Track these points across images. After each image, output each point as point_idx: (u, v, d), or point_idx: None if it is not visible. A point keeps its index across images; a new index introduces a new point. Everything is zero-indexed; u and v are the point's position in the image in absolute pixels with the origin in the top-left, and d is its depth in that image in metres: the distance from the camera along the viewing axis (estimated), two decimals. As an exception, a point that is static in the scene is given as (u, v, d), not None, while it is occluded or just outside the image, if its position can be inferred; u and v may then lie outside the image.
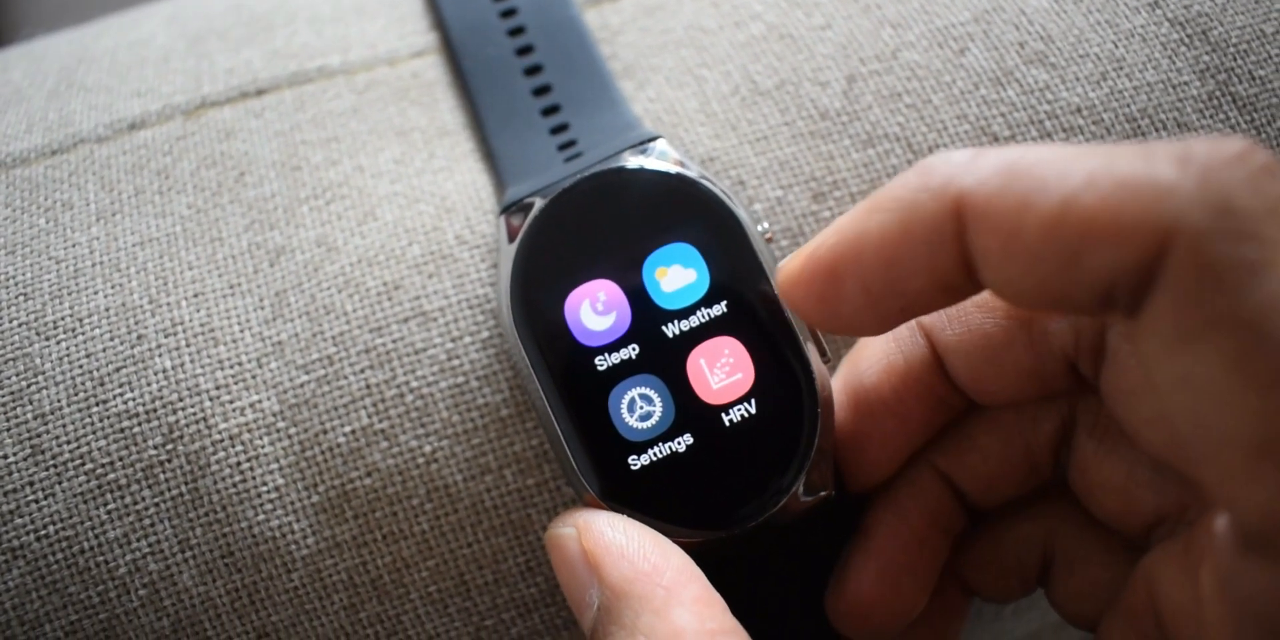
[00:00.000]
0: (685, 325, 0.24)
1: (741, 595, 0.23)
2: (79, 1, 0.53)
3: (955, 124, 0.28)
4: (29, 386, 0.26)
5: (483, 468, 0.26)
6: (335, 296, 0.27)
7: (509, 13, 0.30)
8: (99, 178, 0.29)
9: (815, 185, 0.27)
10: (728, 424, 0.24)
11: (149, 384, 0.26)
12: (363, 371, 0.26)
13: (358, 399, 0.26)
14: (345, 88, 0.30)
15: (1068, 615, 0.24)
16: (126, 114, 0.30)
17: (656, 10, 0.31)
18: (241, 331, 0.26)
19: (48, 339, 0.26)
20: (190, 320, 0.26)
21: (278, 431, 0.26)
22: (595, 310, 0.24)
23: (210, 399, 0.26)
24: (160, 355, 0.26)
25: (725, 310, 0.24)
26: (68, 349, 0.26)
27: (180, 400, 0.26)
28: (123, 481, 0.25)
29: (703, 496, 0.24)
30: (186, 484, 0.25)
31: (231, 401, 0.26)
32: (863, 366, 0.24)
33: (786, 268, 0.21)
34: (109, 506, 0.25)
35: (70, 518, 0.25)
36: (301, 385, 0.26)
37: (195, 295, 0.27)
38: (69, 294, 0.27)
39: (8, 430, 0.26)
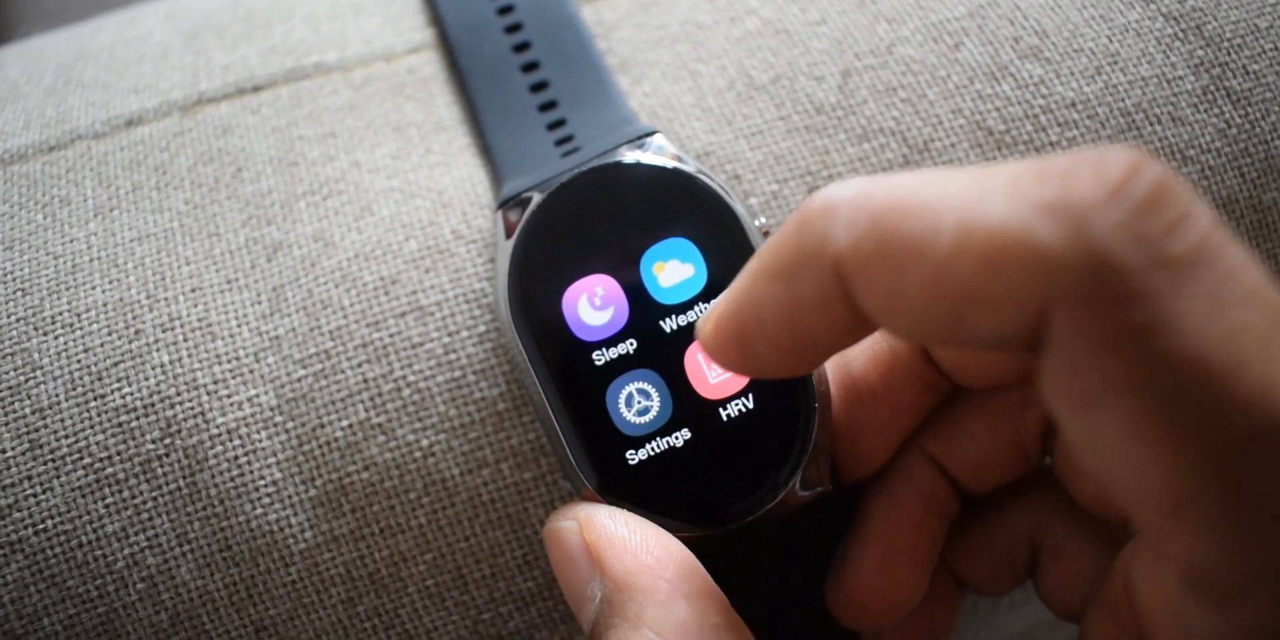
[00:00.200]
0: (683, 320, 0.24)
1: (740, 590, 0.23)
2: (77, 0, 0.53)
3: (950, 118, 0.28)
4: (27, 381, 0.26)
5: (480, 462, 0.26)
6: (332, 291, 0.27)
7: (506, 9, 0.30)
8: (96, 174, 0.29)
9: (811, 179, 0.28)
10: (725, 419, 0.24)
11: (147, 379, 0.26)
12: (360, 366, 0.26)
13: (355, 393, 0.26)
14: (342, 84, 0.30)
15: (1054, 606, 0.24)
16: (124, 110, 0.30)
17: (652, 6, 0.31)
18: (239, 326, 0.26)
19: (45, 334, 0.26)
20: (188, 315, 0.26)
21: (275, 426, 0.26)
22: (593, 305, 0.24)
23: (208, 393, 0.26)
24: (158, 350, 0.26)
25: None
26: (66, 344, 0.26)
27: (178, 395, 0.26)
28: (121, 476, 0.25)
29: (701, 492, 0.24)
30: (184, 478, 0.25)
31: (229, 396, 0.26)
32: (850, 356, 0.24)
33: (702, 331, 0.21)
34: (107, 500, 0.25)
35: (68, 512, 0.25)
36: (299, 379, 0.26)
37: (193, 290, 0.27)
38: (67, 289, 0.27)
39: (6, 425, 0.26)
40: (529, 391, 0.25)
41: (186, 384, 0.26)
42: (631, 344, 0.24)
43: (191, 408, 0.26)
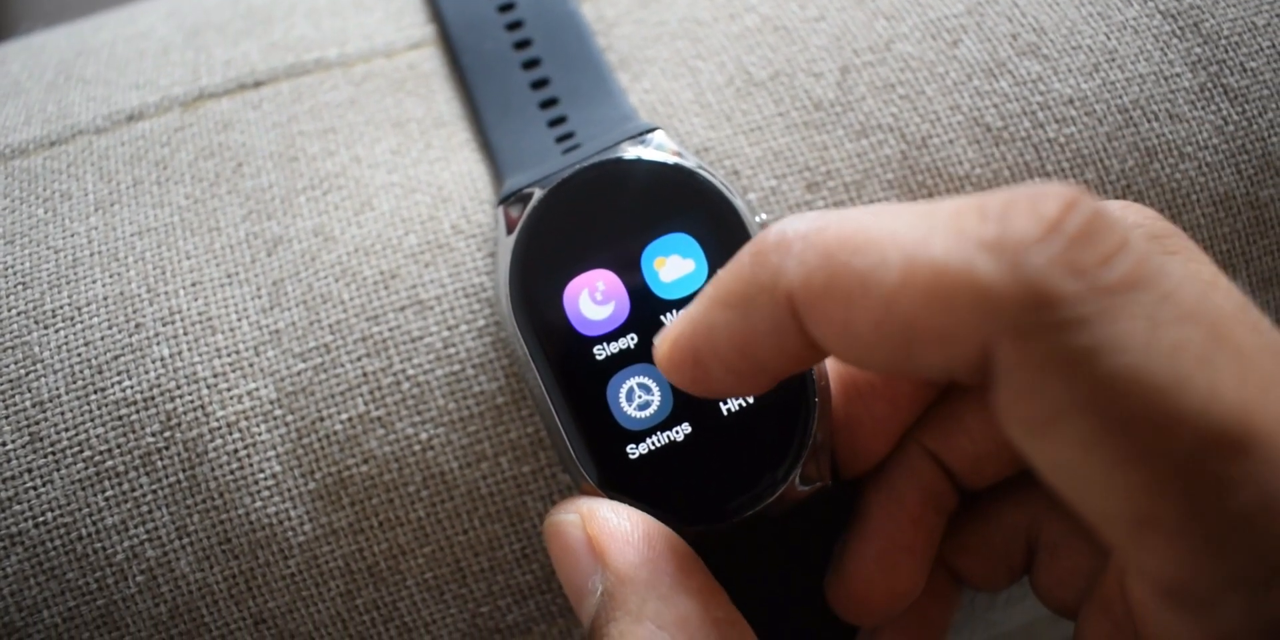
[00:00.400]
0: None
1: (740, 585, 0.23)
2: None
3: (948, 115, 0.28)
4: (28, 374, 0.26)
5: (479, 455, 0.26)
6: (332, 285, 0.27)
7: (506, 7, 0.30)
8: (97, 168, 0.29)
9: (809, 175, 0.28)
10: (725, 413, 0.24)
11: (147, 372, 0.26)
12: (359, 359, 0.26)
13: (354, 387, 0.26)
14: (342, 79, 0.30)
15: (1050, 603, 0.24)
16: (125, 106, 0.30)
17: (651, 2, 0.31)
18: (239, 320, 0.27)
19: (46, 328, 0.26)
20: (188, 309, 0.27)
21: (275, 419, 0.26)
22: (594, 300, 0.25)
23: (208, 387, 0.26)
24: (158, 343, 0.26)
25: None
26: (66, 337, 0.26)
27: (178, 388, 0.26)
28: (120, 468, 0.25)
29: (701, 487, 0.24)
30: (184, 471, 0.25)
31: (229, 389, 0.26)
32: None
33: (658, 351, 0.22)
34: (107, 493, 0.25)
35: (68, 504, 0.25)
36: (298, 373, 0.26)
37: (193, 284, 0.27)
38: (67, 283, 0.27)
39: (6, 418, 0.26)
40: (530, 386, 0.25)
41: (186, 377, 0.26)
42: (632, 338, 0.24)
43: (191, 401, 0.26)
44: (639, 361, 0.24)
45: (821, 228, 0.18)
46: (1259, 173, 0.28)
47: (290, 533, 0.25)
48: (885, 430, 0.24)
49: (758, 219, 0.25)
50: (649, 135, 0.26)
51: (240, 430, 0.26)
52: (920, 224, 0.17)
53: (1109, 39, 0.28)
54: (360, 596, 0.25)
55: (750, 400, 0.24)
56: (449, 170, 0.28)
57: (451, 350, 0.26)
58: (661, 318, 0.24)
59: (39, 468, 0.25)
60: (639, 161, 0.25)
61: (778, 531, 0.25)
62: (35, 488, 0.25)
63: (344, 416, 0.26)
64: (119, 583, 0.25)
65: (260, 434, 0.26)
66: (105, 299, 0.27)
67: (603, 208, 0.25)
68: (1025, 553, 0.25)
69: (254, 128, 0.29)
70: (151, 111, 0.30)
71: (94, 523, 0.25)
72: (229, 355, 0.26)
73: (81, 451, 0.25)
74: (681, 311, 0.22)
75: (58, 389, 0.26)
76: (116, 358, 0.26)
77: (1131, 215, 0.22)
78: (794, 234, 0.19)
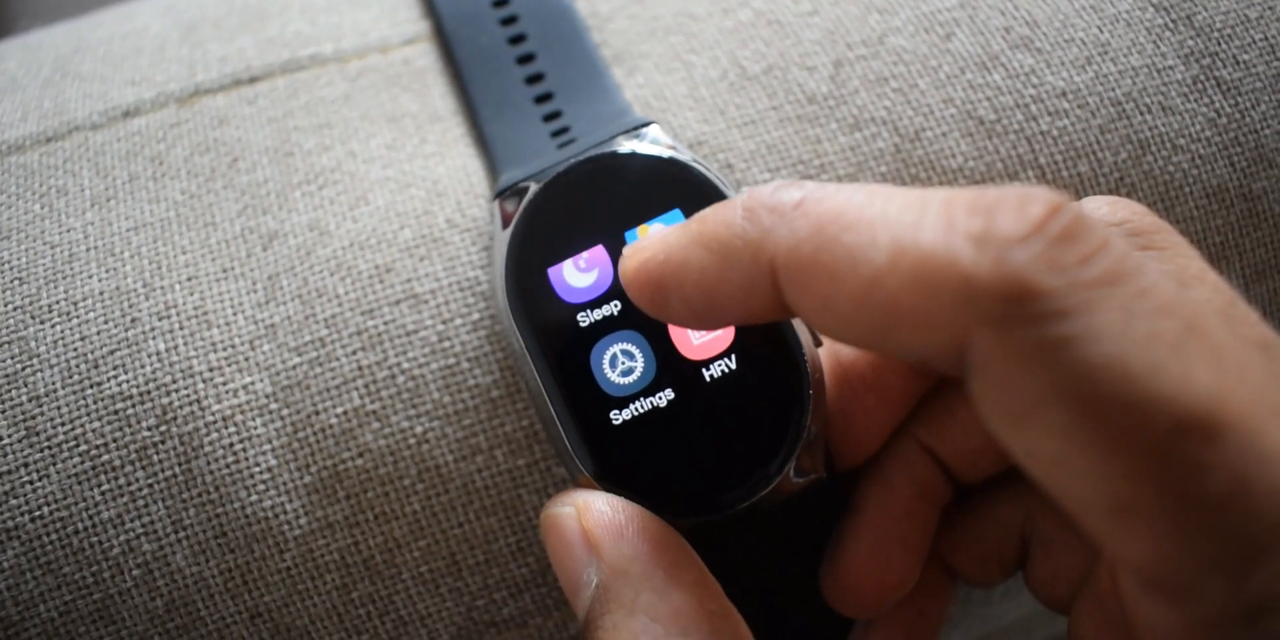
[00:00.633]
0: None
1: (734, 577, 0.23)
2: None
3: (941, 108, 0.28)
4: (24, 369, 0.26)
5: (473, 448, 0.26)
6: (327, 280, 0.27)
7: (501, 2, 0.30)
8: (93, 164, 0.29)
9: (803, 168, 0.28)
10: (708, 379, 0.24)
11: (143, 366, 0.26)
12: (354, 353, 0.26)
13: (349, 380, 0.26)
14: (338, 75, 0.30)
15: (1044, 598, 0.24)
16: (121, 102, 0.30)
17: (646, -3, 0.31)
18: (234, 314, 0.27)
19: (42, 322, 0.27)
20: (184, 303, 0.27)
21: (270, 413, 0.26)
22: (579, 268, 0.25)
23: (203, 381, 0.26)
24: (154, 338, 0.26)
25: None
26: (62, 332, 0.26)
27: (174, 382, 0.26)
28: (116, 463, 0.25)
29: (695, 479, 0.24)
30: (180, 465, 0.25)
31: (224, 383, 0.26)
32: (839, 345, 0.24)
33: (627, 262, 0.22)
34: (103, 487, 0.25)
35: (64, 499, 0.25)
36: (294, 367, 0.26)
37: (189, 279, 0.27)
38: (64, 278, 0.27)
39: (2, 412, 0.26)
40: (526, 379, 0.25)
41: (182, 372, 0.26)
42: (615, 306, 0.24)
43: (187, 395, 0.26)
44: (628, 340, 0.24)
45: (819, 199, 0.19)
46: (1252, 165, 0.28)
47: (286, 526, 0.25)
48: (878, 422, 0.24)
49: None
50: (644, 129, 0.26)
51: (236, 424, 0.26)
52: (912, 209, 0.18)
53: (1102, 32, 0.28)
54: (356, 590, 0.25)
55: (732, 367, 0.24)
56: (444, 165, 0.28)
57: (446, 344, 0.26)
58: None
59: (35, 462, 0.25)
60: (634, 155, 0.25)
61: (772, 524, 0.25)
62: (31, 482, 0.25)
63: (339, 410, 0.26)
64: (115, 577, 0.25)
65: (256, 428, 0.26)
66: (101, 294, 0.27)
67: (598, 201, 0.25)
68: (1019, 548, 0.25)
69: (249, 123, 0.29)
70: (147, 107, 0.30)
71: (90, 517, 0.25)
72: (224, 350, 0.26)
73: (77, 446, 0.25)
74: (661, 231, 0.22)
75: (54, 383, 0.26)
76: (112, 352, 0.26)
77: (1121, 210, 0.22)
78: (789, 200, 0.19)
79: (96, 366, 0.26)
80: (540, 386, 0.24)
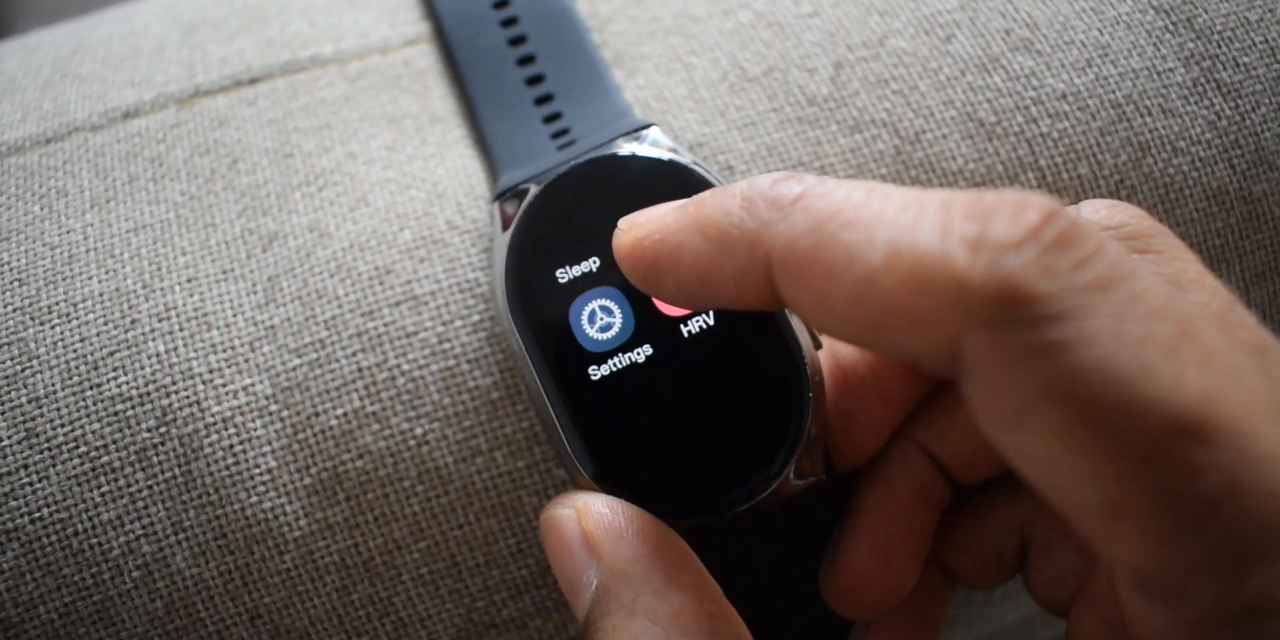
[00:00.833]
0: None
1: (734, 579, 0.23)
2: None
3: (941, 110, 0.28)
4: (23, 370, 0.26)
5: (473, 450, 0.26)
6: (327, 281, 0.27)
7: (501, 3, 0.30)
8: (93, 165, 0.29)
9: (803, 170, 0.28)
10: (686, 336, 0.24)
11: (142, 368, 0.26)
12: (354, 355, 0.26)
13: (349, 382, 0.26)
14: (338, 76, 0.30)
15: (1043, 600, 0.24)
16: (121, 103, 0.30)
17: (646, -1, 0.31)
18: (234, 316, 0.27)
19: (42, 324, 0.27)
20: (183, 305, 0.27)
21: (270, 414, 0.26)
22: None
23: (203, 382, 0.26)
24: (154, 339, 0.26)
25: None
26: (62, 333, 0.26)
27: (173, 384, 0.26)
28: (116, 464, 0.25)
29: (695, 481, 0.24)
30: (180, 466, 0.25)
31: (224, 385, 0.26)
32: (838, 345, 0.24)
33: (622, 236, 0.22)
34: (103, 489, 0.25)
35: (64, 500, 0.25)
36: (294, 369, 0.26)
37: (189, 280, 0.27)
38: (63, 279, 0.27)
39: (2, 414, 0.26)
40: (525, 382, 0.25)
41: (182, 373, 0.26)
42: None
43: (187, 396, 0.26)
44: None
45: (818, 195, 0.19)
46: (1251, 168, 0.28)
47: (285, 528, 0.25)
48: (877, 424, 0.24)
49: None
50: (644, 131, 0.26)
51: (235, 426, 0.26)
52: (910, 210, 0.18)
53: (1102, 34, 0.28)
54: (356, 591, 0.25)
55: (710, 323, 0.24)
56: (444, 166, 0.28)
57: (446, 346, 0.26)
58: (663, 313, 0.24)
59: (35, 463, 0.25)
60: (634, 158, 0.25)
61: (772, 526, 0.25)
62: (31, 483, 0.25)
63: (339, 412, 0.26)
64: (115, 578, 0.25)
65: (255, 429, 0.26)
66: (101, 295, 0.27)
67: (598, 203, 0.25)
68: (1018, 551, 0.25)
69: (249, 124, 0.29)
70: (147, 108, 0.30)
71: (90, 518, 0.25)
72: (224, 351, 0.26)
73: (77, 447, 0.25)
74: (660, 209, 0.22)
75: (53, 385, 0.26)
76: (112, 354, 0.26)
77: (1119, 214, 0.22)
78: (788, 193, 0.19)
79: (96, 368, 0.26)
80: (540, 388, 0.24)
